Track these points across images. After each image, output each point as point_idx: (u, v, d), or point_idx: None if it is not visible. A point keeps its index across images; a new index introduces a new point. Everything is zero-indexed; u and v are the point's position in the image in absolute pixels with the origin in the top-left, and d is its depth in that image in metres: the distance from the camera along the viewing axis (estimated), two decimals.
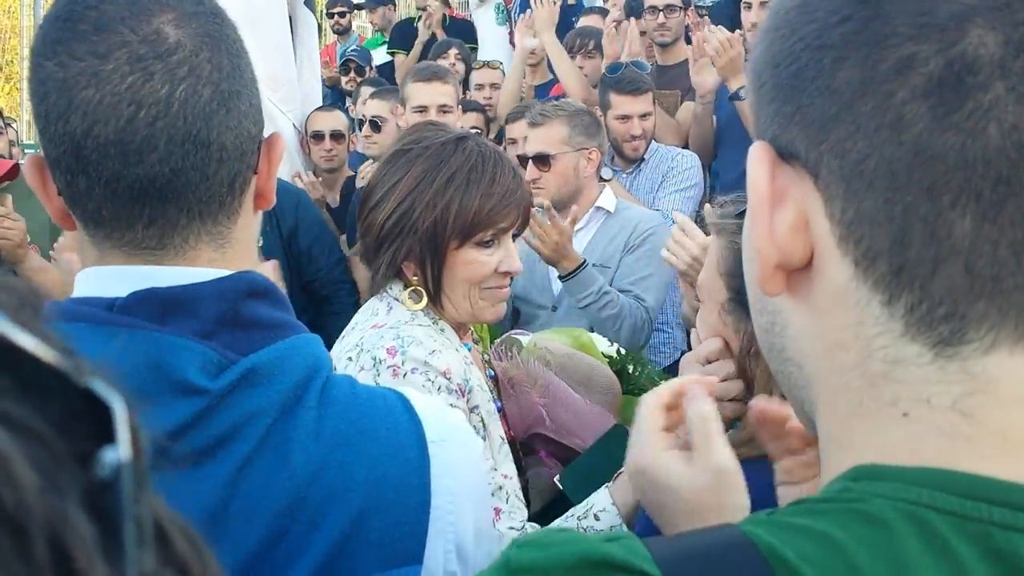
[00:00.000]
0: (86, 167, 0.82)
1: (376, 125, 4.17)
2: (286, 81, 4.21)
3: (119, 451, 0.23)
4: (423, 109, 3.65)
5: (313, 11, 4.79)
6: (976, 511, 0.47)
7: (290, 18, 4.42)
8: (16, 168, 3.29)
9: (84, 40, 0.82)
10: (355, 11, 8.40)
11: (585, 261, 3.04)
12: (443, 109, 3.64)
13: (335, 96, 6.24)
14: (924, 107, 0.47)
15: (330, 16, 8.01)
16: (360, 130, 4.27)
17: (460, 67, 5.52)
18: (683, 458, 0.98)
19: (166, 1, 0.85)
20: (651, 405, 1.02)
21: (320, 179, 4.23)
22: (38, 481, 0.20)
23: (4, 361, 0.22)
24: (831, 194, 0.51)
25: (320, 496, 0.84)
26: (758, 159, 0.53)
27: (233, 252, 0.90)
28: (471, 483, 0.94)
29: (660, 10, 4.66)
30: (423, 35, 6.69)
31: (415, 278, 1.68)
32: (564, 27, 5.07)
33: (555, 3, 4.77)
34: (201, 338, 0.83)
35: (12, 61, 17.94)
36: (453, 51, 5.53)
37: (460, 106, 3.84)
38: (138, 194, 0.83)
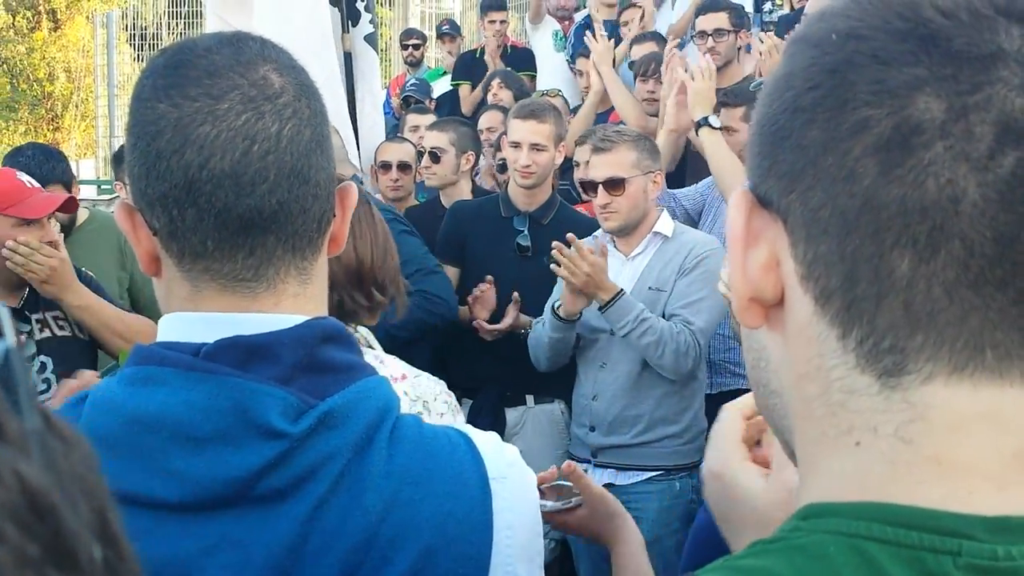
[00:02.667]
0: (197, 199, 0.89)
1: (436, 156, 4.25)
2: (336, 117, 4.32)
3: (6, 342, 0.29)
4: (517, 145, 3.72)
5: (375, 47, 4.91)
6: (908, 539, 0.51)
7: (350, 55, 4.56)
8: (73, 202, 3.32)
9: (197, 84, 0.89)
10: (426, 43, 8.55)
11: (621, 291, 3.08)
12: (536, 147, 3.68)
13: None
14: (874, 162, 0.53)
15: (404, 48, 8.17)
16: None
17: (504, 95, 5.61)
18: (761, 473, 1.00)
19: (267, 54, 0.93)
20: (733, 414, 1.04)
21: None
22: None
23: None
24: (796, 237, 0.57)
25: (391, 533, 0.89)
26: (736, 204, 0.60)
27: (312, 288, 0.96)
28: (527, 517, 0.98)
29: (709, 34, 4.66)
30: (492, 67, 6.78)
31: None
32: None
33: (606, 36, 4.93)
34: (281, 383, 0.89)
35: (87, 99, 18.55)
36: (496, 81, 5.63)
37: (559, 143, 3.82)
38: (246, 224, 0.90)
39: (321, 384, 0.90)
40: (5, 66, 26.65)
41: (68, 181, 3.82)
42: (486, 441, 0.98)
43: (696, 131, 3.82)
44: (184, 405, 0.87)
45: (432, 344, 3.64)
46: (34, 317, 3.02)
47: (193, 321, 0.93)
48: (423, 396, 1.94)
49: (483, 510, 0.93)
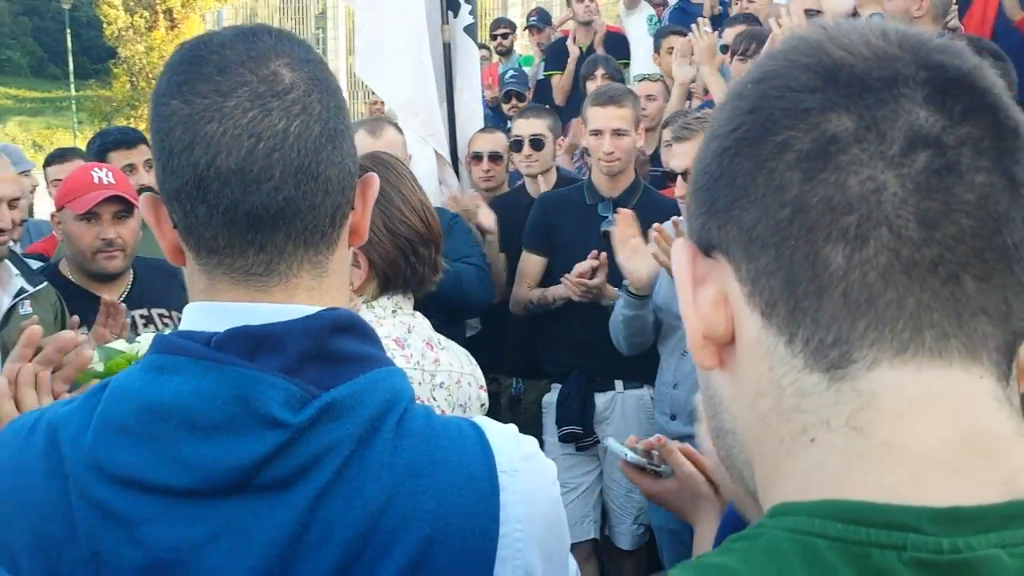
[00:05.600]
0: (207, 196, 0.90)
1: (539, 143, 4.24)
2: (426, 108, 4.35)
3: None
4: (599, 133, 3.70)
5: (474, 37, 4.92)
6: (856, 535, 0.52)
7: (448, 46, 4.59)
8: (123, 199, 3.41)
9: (208, 80, 0.90)
10: (515, 31, 8.56)
11: None
12: (618, 133, 3.67)
13: (496, 118, 6.38)
14: (798, 173, 0.57)
15: (493, 38, 8.20)
16: (519, 150, 4.33)
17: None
18: None
19: (281, 49, 0.93)
20: None
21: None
22: None
23: None
24: (738, 261, 0.60)
25: (392, 523, 0.89)
26: (678, 250, 0.64)
27: (329, 281, 0.96)
28: (541, 510, 0.97)
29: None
30: (573, 53, 6.74)
31: None
32: None
33: (712, 32, 4.74)
34: (288, 373, 0.89)
35: None
36: (600, 71, 5.53)
37: (639, 125, 3.82)
38: (253, 221, 0.90)
39: (331, 374, 0.91)
40: (125, 65, 27.73)
41: None
42: (500, 434, 0.97)
43: None
44: (193, 394, 0.89)
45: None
46: (137, 312, 3.13)
47: (209, 311, 0.94)
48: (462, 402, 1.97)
49: (489, 503, 0.92)
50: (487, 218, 3.97)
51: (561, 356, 3.79)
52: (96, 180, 3.02)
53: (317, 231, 0.93)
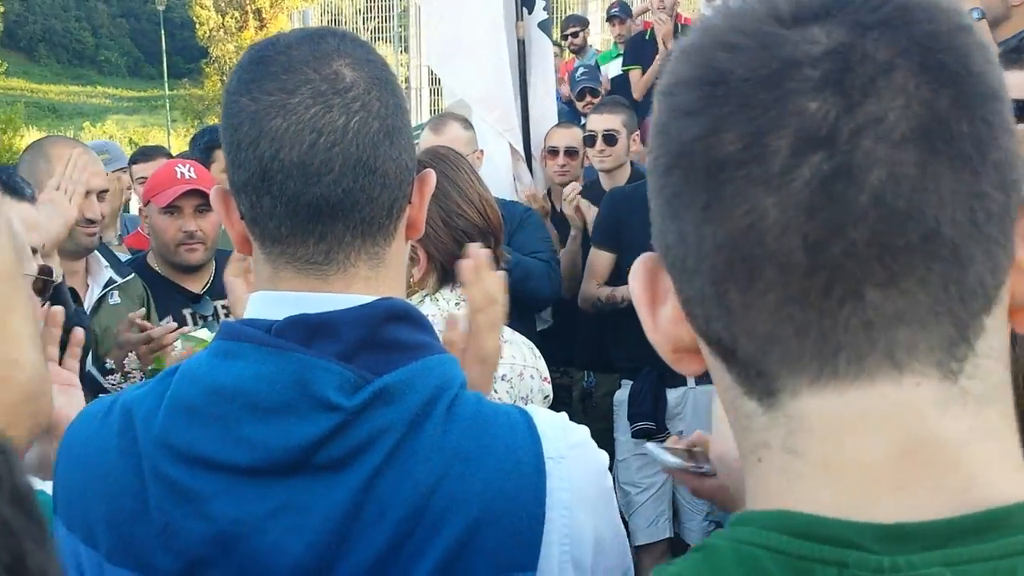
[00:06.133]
0: (271, 187, 0.95)
1: (612, 139, 4.25)
2: (501, 103, 4.39)
3: None
4: None
5: (549, 33, 4.94)
6: (800, 549, 0.51)
7: (523, 42, 4.63)
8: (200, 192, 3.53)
9: (274, 79, 0.95)
10: (587, 27, 8.54)
11: None
12: None
13: (571, 114, 6.39)
14: (694, 207, 0.55)
15: (564, 37, 8.21)
16: (592, 145, 4.35)
17: None
18: None
19: (343, 50, 0.98)
20: None
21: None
22: None
23: None
24: (675, 283, 0.59)
25: (440, 505, 0.92)
26: (635, 271, 0.63)
27: (385, 272, 1.01)
28: (589, 497, 0.99)
29: None
30: (663, 52, 6.68)
31: None
32: None
33: None
34: (343, 359, 0.94)
35: None
36: None
37: None
38: (314, 211, 0.95)
39: (384, 361, 0.95)
40: (216, 64, 28.45)
41: None
42: (548, 421, 1.00)
43: None
44: (254, 378, 0.94)
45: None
46: (219, 303, 3.24)
47: (270, 300, 0.99)
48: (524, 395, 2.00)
49: (535, 489, 0.95)
50: (587, 211, 4.04)
51: (632, 352, 3.78)
52: (179, 175, 3.13)
53: (374, 223, 0.98)
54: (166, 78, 32.57)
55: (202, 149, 4.15)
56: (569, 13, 10.61)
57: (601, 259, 3.90)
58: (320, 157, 0.94)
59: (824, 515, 0.52)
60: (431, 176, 1.05)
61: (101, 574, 0.98)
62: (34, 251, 1.95)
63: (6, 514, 0.30)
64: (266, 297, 1.00)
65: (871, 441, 0.52)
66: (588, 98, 6.33)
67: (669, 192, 0.57)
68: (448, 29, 4.63)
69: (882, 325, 0.52)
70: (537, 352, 2.11)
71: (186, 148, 5.33)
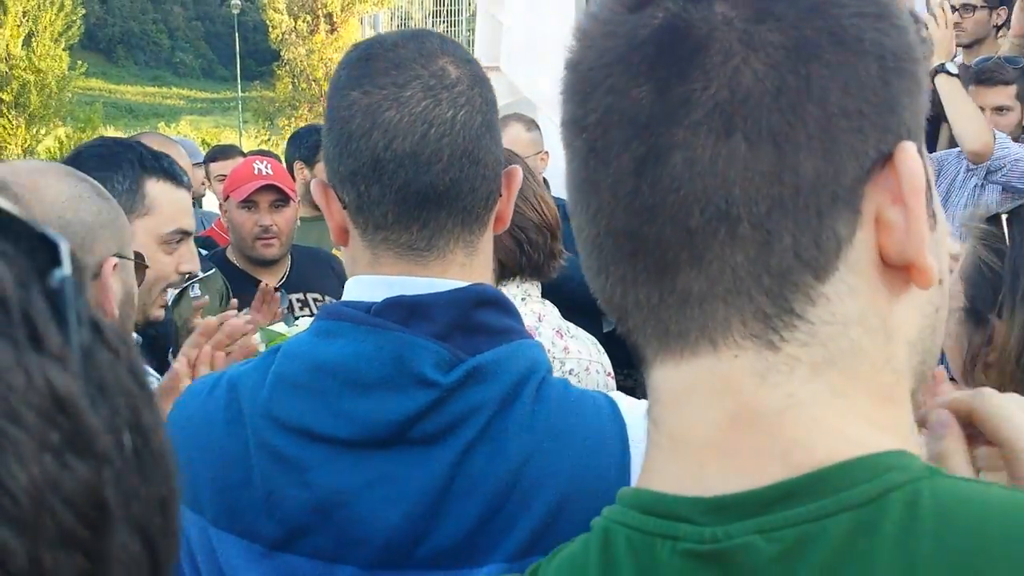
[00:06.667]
0: (381, 176, 1.00)
1: None
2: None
3: (64, 270, 0.34)
4: None
5: None
6: (645, 525, 0.55)
7: None
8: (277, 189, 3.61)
9: (385, 74, 1.01)
10: None
11: None
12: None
13: None
14: (571, 188, 0.60)
15: None
16: None
17: None
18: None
19: (445, 49, 1.04)
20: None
21: None
22: (12, 278, 0.32)
23: None
24: None
25: (529, 481, 0.96)
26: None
27: (478, 260, 1.06)
28: None
29: (956, 9, 4.39)
30: None
31: None
32: None
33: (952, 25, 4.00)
34: (437, 339, 0.99)
35: None
36: None
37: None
38: (422, 199, 1.01)
39: (475, 343, 0.99)
40: (287, 67, 28.95)
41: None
42: (632, 406, 1.04)
43: (932, 78, 3.65)
44: (354, 355, 0.99)
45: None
46: (294, 296, 3.34)
47: (369, 283, 1.04)
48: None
49: (620, 468, 0.98)
50: None
51: None
52: (256, 171, 3.23)
53: (472, 212, 1.03)
54: (239, 80, 33.22)
55: (310, 147, 4.27)
56: None
57: None
58: (431, 148, 0.99)
59: (665, 491, 0.55)
60: (518, 172, 1.10)
61: (206, 537, 1.05)
62: (188, 234, 2.07)
63: (126, 380, 0.35)
64: (364, 281, 1.05)
65: (703, 412, 0.55)
66: None
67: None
68: (520, 32, 4.70)
69: (694, 302, 0.54)
70: (601, 348, 2.15)
71: (256, 147, 5.43)
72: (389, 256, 1.04)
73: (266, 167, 3.25)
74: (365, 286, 1.04)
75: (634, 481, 0.99)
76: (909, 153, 0.54)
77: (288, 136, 4.62)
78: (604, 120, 0.56)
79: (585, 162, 0.57)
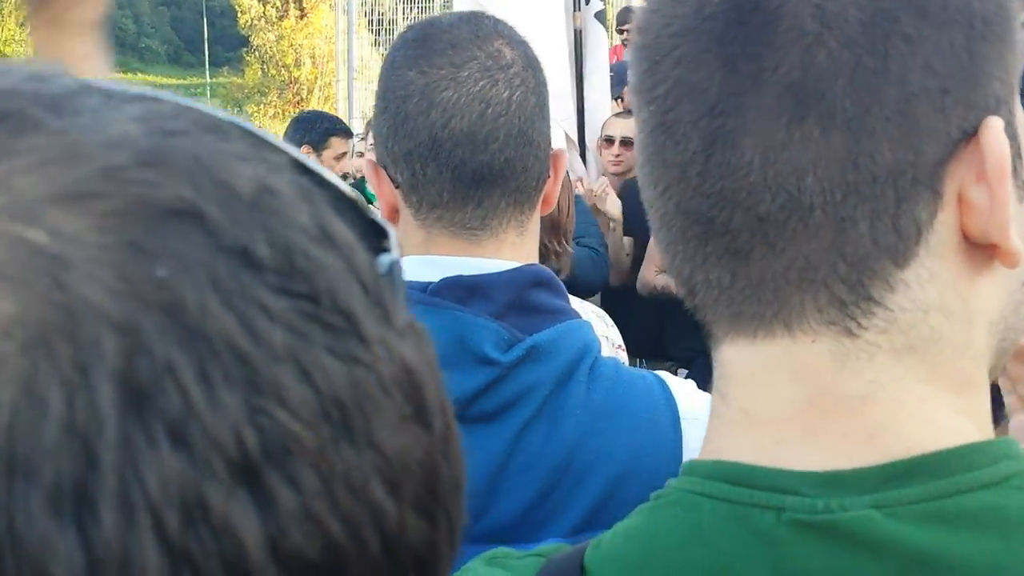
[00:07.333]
0: (438, 155, 1.01)
1: (632, 143, 4.27)
2: (560, 94, 4.43)
3: (392, 255, 0.36)
4: None
5: (604, 24, 4.99)
6: (740, 496, 0.54)
7: (580, 32, 4.67)
8: None
9: (442, 54, 1.02)
10: None
11: None
12: None
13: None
14: (642, 161, 0.59)
15: (620, 32, 8.25)
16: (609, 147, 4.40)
17: None
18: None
19: (499, 31, 1.06)
20: None
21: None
22: (368, 264, 0.33)
23: (329, 189, 0.34)
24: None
25: (585, 459, 0.98)
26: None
27: (528, 239, 1.08)
28: None
29: None
30: None
31: None
32: None
33: None
34: (494, 319, 1.00)
35: (330, 83, 19.66)
36: None
37: None
38: (477, 178, 1.02)
39: (529, 322, 1.01)
40: (256, 53, 28.65)
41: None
42: (681, 386, 1.06)
43: None
44: None
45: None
46: None
47: (424, 263, 1.05)
48: None
49: (673, 446, 1.00)
50: (613, 207, 4.04)
51: (688, 341, 3.82)
52: None
53: (524, 192, 1.04)
54: (207, 66, 32.91)
55: (320, 134, 4.24)
56: (623, 5, 10.61)
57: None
58: (488, 127, 1.00)
59: (752, 463, 0.54)
60: (564, 156, 1.11)
61: None
62: None
63: (434, 361, 0.37)
64: (419, 261, 1.06)
65: (779, 390, 0.55)
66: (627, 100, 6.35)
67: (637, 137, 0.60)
68: (507, 20, 4.69)
69: (768, 287, 0.54)
70: (609, 321, 2.16)
71: None
72: (443, 235, 1.05)
73: None
74: (419, 266, 1.05)
75: (688, 457, 1.01)
76: (995, 131, 0.52)
77: (293, 120, 4.58)
78: (673, 93, 0.54)
79: (653, 135, 0.56)
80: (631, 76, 0.58)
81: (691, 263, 0.57)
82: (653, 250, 3.95)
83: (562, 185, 2.18)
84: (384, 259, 0.35)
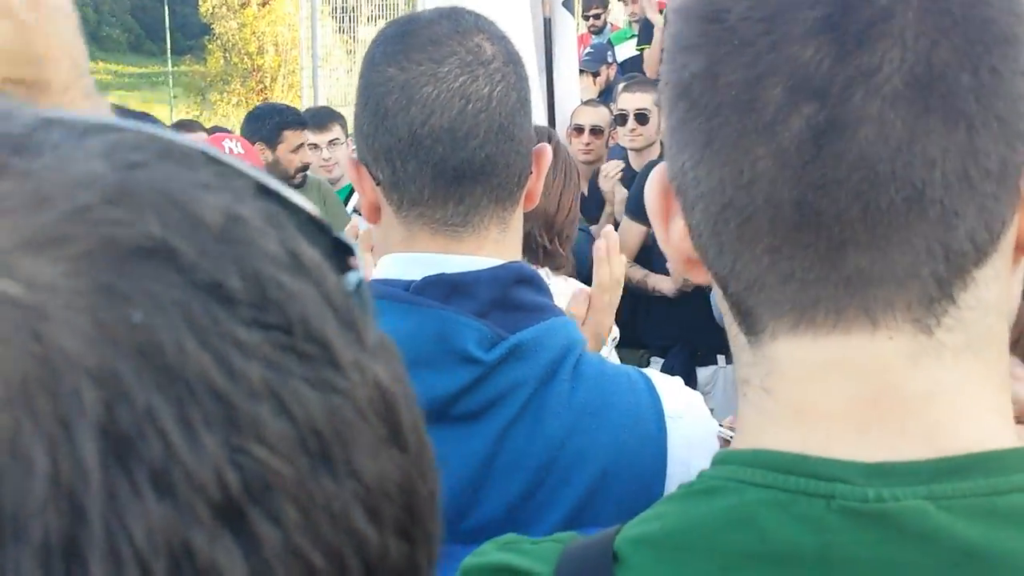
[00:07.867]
0: (418, 152, 1.00)
1: (643, 118, 4.27)
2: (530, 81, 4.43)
3: (359, 272, 0.36)
4: None
5: (571, 11, 4.97)
6: (785, 484, 0.53)
7: (549, 20, 4.66)
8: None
9: (422, 50, 1.01)
10: (607, 8, 8.55)
11: None
12: None
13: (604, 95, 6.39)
14: (694, 147, 0.55)
15: (586, 18, 8.23)
16: (624, 124, 4.36)
17: None
18: None
19: (480, 26, 1.04)
20: None
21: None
22: (336, 284, 0.33)
23: (293, 211, 0.34)
24: (683, 207, 0.60)
25: (569, 457, 0.98)
26: (650, 181, 0.61)
27: (510, 236, 1.07)
28: (703, 454, 1.03)
29: None
30: (658, 23, 6.70)
31: None
32: None
33: None
34: (477, 317, 0.99)
35: (293, 71, 19.50)
36: None
37: None
38: (458, 175, 1.00)
39: (513, 320, 1.00)
40: (219, 41, 28.38)
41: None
42: (667, 383, 1.05)
43: None
44: (394, 333, 0.97)
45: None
46: None
47: (406, 261, 1.04)
48: None
49: (657, 444, 1.00)
50: (611, 192, 4.12)
51: (663, 329, 3.83)
52: (227, 151, 3.20)
53: (506, 188, 1.03)
54: (169, 54, 32.50)
55: (271, 129, 4.19)
56: None
57: (633, 232, 3.90)
58: (468, 123, 0.99)
59: (795, 451, 0.54)
60: (547, 150, 1.10)
61: None
62: None
63: (406, 379, 0.37)
64: (400, 258, 1.05)
65: (839, 387, 0.54)
66: (590, 79, 6.35)
67: (675, 120, 0.57)
68: (473, 8, 4.66)
69: (861, 283, 0.52)
70: None
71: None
72: (425, 232, 1.04)
73: (236, 145, 3.23)
74: (401, 264, 1.04)
75: (673, 454, 1.01)
76: None
77: (246, 115, 4.53)
78: (763, 79, 0.51)
79: (727, 121, 0.53)
80: (692, 63, 0.55)
81: (769, 254, 0.54)
82: (625, 236, 3.92)
83: (564, 183, 2.17)
84: (351, 277, 0.35)
